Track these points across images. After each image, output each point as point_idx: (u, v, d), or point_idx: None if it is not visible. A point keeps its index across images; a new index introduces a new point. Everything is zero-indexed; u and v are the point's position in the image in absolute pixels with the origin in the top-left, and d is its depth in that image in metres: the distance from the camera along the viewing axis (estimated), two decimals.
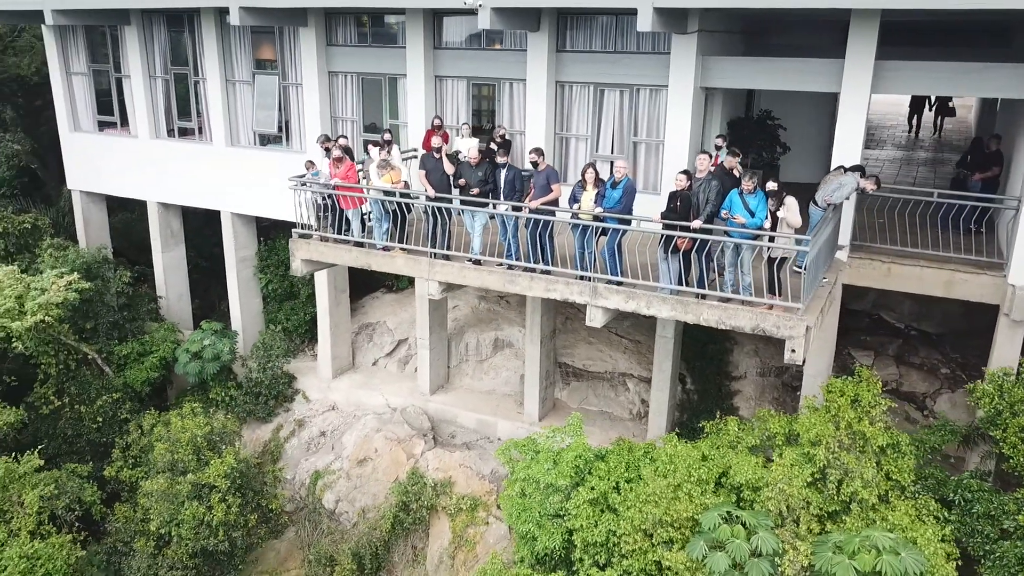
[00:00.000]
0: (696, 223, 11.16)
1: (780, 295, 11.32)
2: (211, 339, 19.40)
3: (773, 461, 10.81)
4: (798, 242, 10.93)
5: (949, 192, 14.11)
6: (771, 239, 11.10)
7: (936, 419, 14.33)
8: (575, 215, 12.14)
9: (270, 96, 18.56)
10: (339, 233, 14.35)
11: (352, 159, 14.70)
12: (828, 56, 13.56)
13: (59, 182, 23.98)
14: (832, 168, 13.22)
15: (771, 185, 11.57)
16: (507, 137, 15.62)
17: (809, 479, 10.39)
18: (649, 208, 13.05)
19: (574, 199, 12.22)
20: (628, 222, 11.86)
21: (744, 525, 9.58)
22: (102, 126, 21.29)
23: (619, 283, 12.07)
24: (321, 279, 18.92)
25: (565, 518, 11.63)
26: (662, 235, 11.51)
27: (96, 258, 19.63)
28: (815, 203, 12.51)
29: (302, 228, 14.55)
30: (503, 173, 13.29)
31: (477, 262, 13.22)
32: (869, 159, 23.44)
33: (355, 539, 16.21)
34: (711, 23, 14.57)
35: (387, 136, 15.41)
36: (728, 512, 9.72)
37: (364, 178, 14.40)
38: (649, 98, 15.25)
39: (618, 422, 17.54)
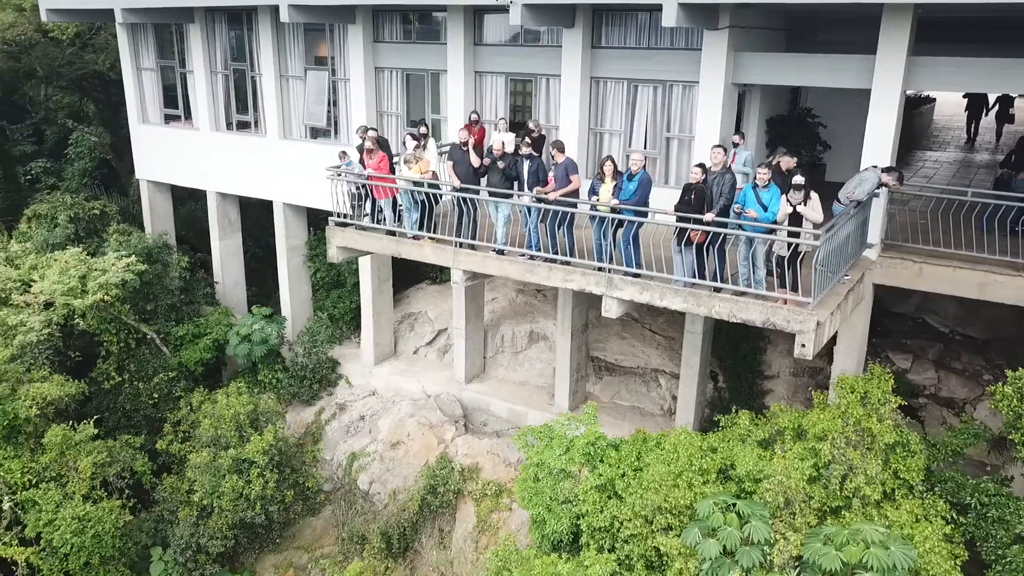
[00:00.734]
0: (708, 216, 11.25)
1: (798, 291, 11.30)
2: (260, 323, 20.27)
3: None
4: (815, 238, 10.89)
5: (983, 192, 13.75)
6: (787, 233, 11.08)
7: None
8: (593, 207, 12.35)
9: (320, 91, 19.31)
10: (374, 222, 14.90)
11: (388, 151, 15.23)
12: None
13: (131, 173, 25.37)
14: (862, 167, 13.07)
15: (797, 179, 11.54)
16: (539, 132, 15.88)
17: (814, 473, 10.39)
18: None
19: (593, 191, 12.45)
20: (644, 214, 12.01)
21: (739, 514, 9.66)
22: (168, 119, 22.46)
23: (634, 275, 12.23)
24: (365, 268, 19.57)
25: (574, 503, 11.87)
26: (676, 227, 11.63)
27: (157, 244, 20.75)
28: (838, 200, 12.41)
29: (338, 216, 15.15)
30: (527, 165, 13.63)
31: (500, 252, 13.56)
32: (927, 161, 22.87)
33: (384, 519, 16.75)
34: (745, 19, 14.55)
35: (423, 130, 15.87)
36: (724, 501, 9.81)
37: (400, 169, 14.91)
38: (682, 94, 15.32)
39: (649, 417, 17.63)
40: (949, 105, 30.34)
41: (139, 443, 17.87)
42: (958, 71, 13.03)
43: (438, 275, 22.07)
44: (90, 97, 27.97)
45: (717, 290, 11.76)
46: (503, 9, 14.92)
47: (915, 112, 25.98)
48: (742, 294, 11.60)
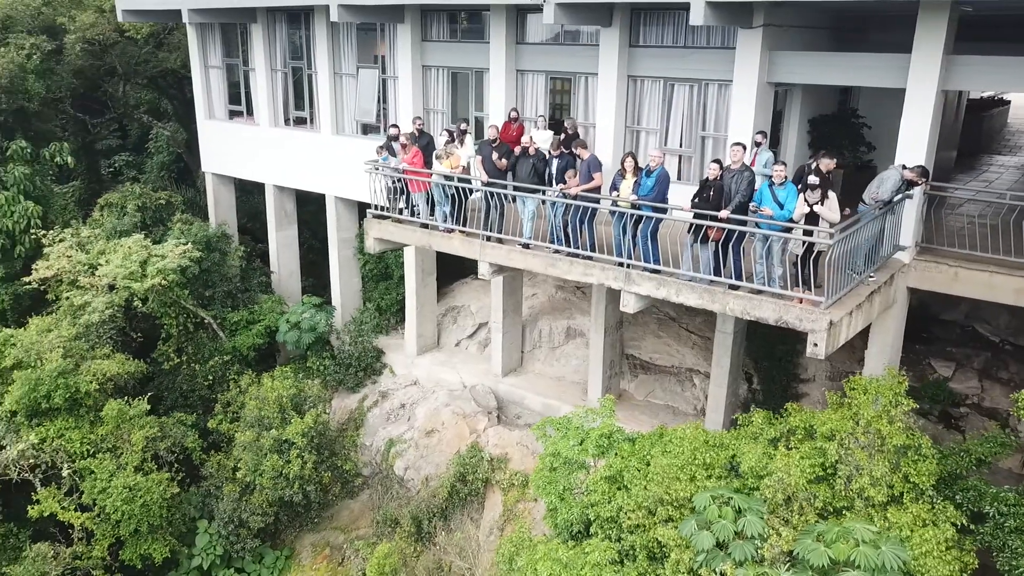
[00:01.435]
0: (723, 213, 11.29)
1: (813, 290, 11.24)
2: (310, 312, 21.07)
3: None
4: (830, 236, 10.83)
5: (1022, 195, 13.32)
6: (802, 232, 11.04)
7: (1019, 437, 13.59)
8: (614, 203, 12.53)
9: (371, 88, 19.96)
10: (411, 215, 15.39)
11: (430, 147, 15.70)
12: None
13: (200, 166, 26.63)
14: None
15: (812, 179, 11.48)
16: (573, 130, 16.09)
17: (821, 472, 10.35)
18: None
19: (614, 187, 12.62)
20: (663, 210, 12.12)
21: (736, 509, 9.71)
22: (231, 115, 23.53)
23: (652, 270, 12.35)
24: (409, 262, 20.12)
25: (585, 493, 12.07)
26: (691, 224, 11.71)
27: (216, 234, 21.77)
28: (863, 201, 12.25)
29: (376, 209, 15.71)
30: (556, 161, 13.89)
31: (526, 246, 13.86)
32: (992, 165, 22.10)
33: (416, 504, 17.24)
34: (781, 18, 14.45)
35: (463, 126, 16.31)
36: (722, 495, 9.87)
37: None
38: (717, 93, 15.30)
39: (682, 417, 17.61)
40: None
41: (190, 421, 18.85)
42: (998, 70, 12.70)
43: None
44: (166, 94, 29.46)
45: (734, 288, 11.79)
46: (538, 8, 15.21)
47: (985, 115, 25.09)
48: (759, 292, 11.60)
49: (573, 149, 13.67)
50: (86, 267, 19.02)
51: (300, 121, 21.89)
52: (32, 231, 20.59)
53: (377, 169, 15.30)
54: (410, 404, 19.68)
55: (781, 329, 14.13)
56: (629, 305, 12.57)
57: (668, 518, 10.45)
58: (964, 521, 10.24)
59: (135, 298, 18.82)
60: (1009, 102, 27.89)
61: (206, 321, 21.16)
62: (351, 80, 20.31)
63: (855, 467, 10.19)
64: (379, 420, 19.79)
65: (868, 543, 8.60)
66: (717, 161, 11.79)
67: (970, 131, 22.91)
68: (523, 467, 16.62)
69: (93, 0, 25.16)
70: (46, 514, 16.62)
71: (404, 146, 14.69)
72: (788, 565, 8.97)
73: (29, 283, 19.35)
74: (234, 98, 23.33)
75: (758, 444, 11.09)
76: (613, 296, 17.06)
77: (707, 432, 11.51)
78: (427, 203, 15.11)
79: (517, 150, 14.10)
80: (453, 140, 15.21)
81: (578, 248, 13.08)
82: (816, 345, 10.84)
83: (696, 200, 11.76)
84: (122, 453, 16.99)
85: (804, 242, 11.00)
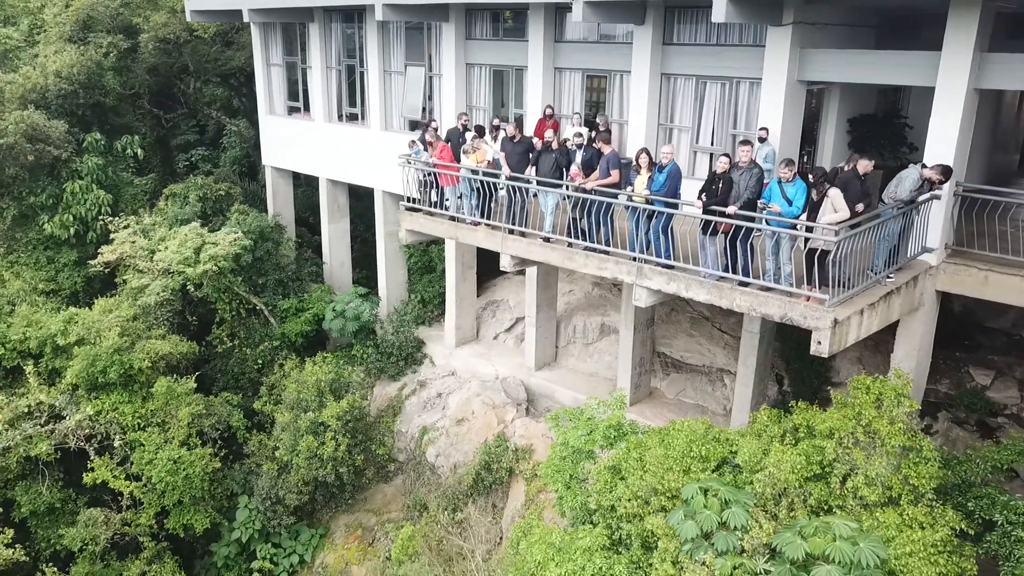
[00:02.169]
0: (731, 209, 11.32)
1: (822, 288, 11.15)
2: (355, 301, 21.79)
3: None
4: (836, 233, 10.73)
5: None
6: (808, 229, 10.99)
7: None
8: (629, 198, 12.67)
9: (418, 85, 20.52)
10: (441, 208, 15.85)
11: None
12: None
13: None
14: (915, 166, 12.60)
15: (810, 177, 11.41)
16: (605, 127, 16.25)
17: (818, 470, 10.29)
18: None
19: (628, 183, 12.76)
20: (674, 206, 12.21)
21: (725, 501, 9.77)
22: (290, 111, 24.50)
23: (665, 265, 12.44)
24: (450, 255, 20.60)
25: (588, 482, 12.26)
26: (702, 218, 11.77)
27: (270, 224, 22.72)
28: (882, 200, 12.07)
29: (408, 201, 16.21)
30: (579, 155, 14.11)
31: (547, 239, 14.11)
32: None
33: (442, 490, 17.68)
34: (813, 15, 14.30)
35: (496, 122, 16.67)
36: (710, 486, 9.93)
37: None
38: (749, 91, 15.24)
39: (711, 416, 17.51)
40: None
41: (236, 401, 19.76)
42: None
43: None
44: (237, 92, 30.79)
45: (745, 284, 11.79)
46: (568, 6, 15.43)
47: None
48: (768, 289, 11.57)
49: (600, 144, 13.84)
50: (147, 252, 20.17)
51: (352, 117, 22.64)
52: (100, 218, 21.92)
53: (409, 163, 15.79)
54: (445, 394, 20.15)
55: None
56: (641, 299, 12.69)
57: (661, 508, 10.55)
58: (964, 526, 10.03)
59: (189, 283, 19.83)
60: None
61: (258, 307, 22.11)
62: (399, 77, 20.93)
63: (852, 466, 10.11)
64: (416, 408, 20.33)
65: (846, 539, 8.56)
66: (727, 155, 11.80)
67: None
68: (546, 458, 16.86)
69: (167, 1, 26.56)
70: (99, 482, 17.75)
71: (430, 143, 15.13)
72: (767, 558, 8.98)
73: (95, 266, 20.62)
74: (293, 95, 24.29)
75: (760, 440, 11.07)
76: None
77: (710, 426, 11.54)
78: (456, 196, 15.53)
79: (539, 144, 14.35)
80: (482, 136, 15.57)
81: (595, 242, 13.25)
82: (820, 343, 10.77)
83: (704, 194, 11.80)
84: (169, 428, 17.99)
85: (806, 239, 10.93)
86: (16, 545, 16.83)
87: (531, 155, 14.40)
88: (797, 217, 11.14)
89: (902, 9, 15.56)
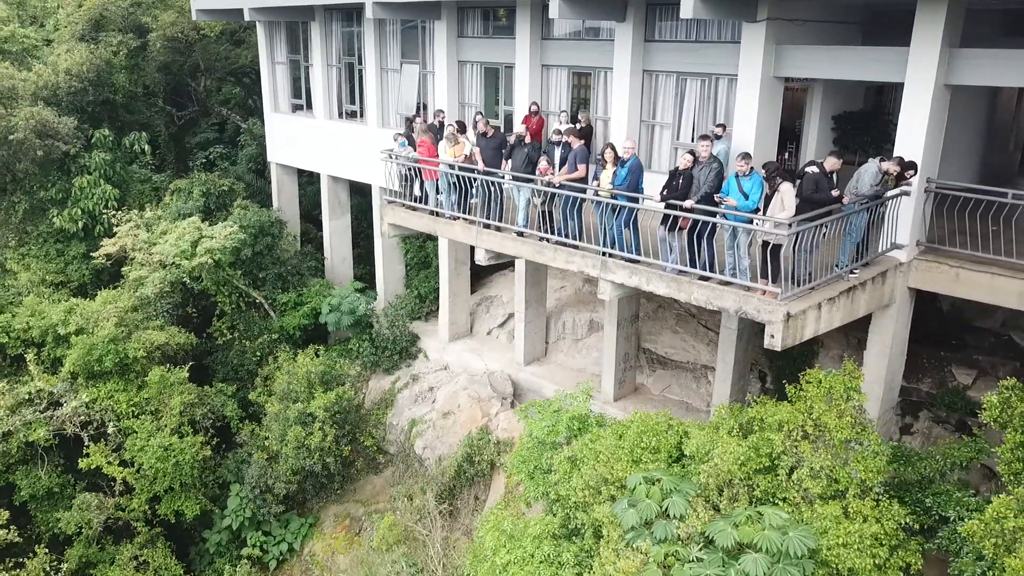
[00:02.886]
0: (688, 203, 11.41)
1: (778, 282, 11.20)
2: (351, 296, 22.12)
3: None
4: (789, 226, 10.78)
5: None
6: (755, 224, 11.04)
7: None
8: (595, 192, 12.80)
9: (412, 82, 20.80)
10: (423, 203, 16.09)
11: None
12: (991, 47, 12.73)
13: None
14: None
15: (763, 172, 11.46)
16: (586, 124, 16.36)
17: (768, 463, 10.35)
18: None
19: (595, 177, 12.89)
20: (635, 200, 12.31)
21: (667, 491, 9.86)
22: (294, 108, 24.93)
23: (629, 259, 12.55)
24: (443, 251, 20.83)
25: (550, 473, 12.41)
26: (664, 213, 11.87)
27: (270, 219, 23.15)
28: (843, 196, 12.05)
29: (391, 195, 16.48)
30: (558, 151, 14.27)
31: (521, 234, 14.29)
32: None
33: (427, 481, 17.92)
34: (790, 12, 14.28)
35: (476, 119, 16.86)
36: (652, 476, 10.02)
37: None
38: (728, 87, 15.26)
39: (694, 412, 17.57)
40: None
41: (230, 391, 20.18)
42: (1004, 64, 12.17)
43: None
44: (245, 89, 31.35)
45: (705, 279, 11.86)
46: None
47: None
48: (728, 283, 11.64)
49: (570, 138, 13.98)
50: (147, 245, 20.69)
51: (351, 114, 22.99)
52: (105, 212, 22.51)
53: (391, 157, 16.05)
54: (436, 387, 20.39)
55: None
56: (606, 293, 12.82)
57: (611, 497, 10.68)
58: (910, 521, 10.03)
59: (186, 275, 20.31)
60: None
61: (257, 301, 22.54)
62: (395, 75, 21.22)
63: (798, 459, 10.15)
64: (407, 401, 20.60)
65: (776, 528, 8.62)
66: (692, 152, 11.88)
67: None
68: (514, 449, 17.02)
69: (176, 1, 27.16)
70: (93, 467, 18.25)
71: (409, 138, 15.38)
72: (701, 546, 9.07)
73: (97, 258, 21.20)
74: (296, 92, 24.72)
75: (714, 433, 11.14)
76: (628, 289, 17.21)
77: (671, 419, 11.63)
78: (435, 191, 15.76)
79: (513, 140, 14.54)
80: (463, 132, 15.78)
81: (565, 237, 13.40)
82: (772, 337, 10.82)
83: (665, 190, 11.89)
84: (162, 416, 18.44)
85: (755, 232, 11.00)
86: (11, 527, 17.37)
87: (503, 151, 14.58)
88: (754, 211, 11.19)
89: (879, 5, 15.48)
